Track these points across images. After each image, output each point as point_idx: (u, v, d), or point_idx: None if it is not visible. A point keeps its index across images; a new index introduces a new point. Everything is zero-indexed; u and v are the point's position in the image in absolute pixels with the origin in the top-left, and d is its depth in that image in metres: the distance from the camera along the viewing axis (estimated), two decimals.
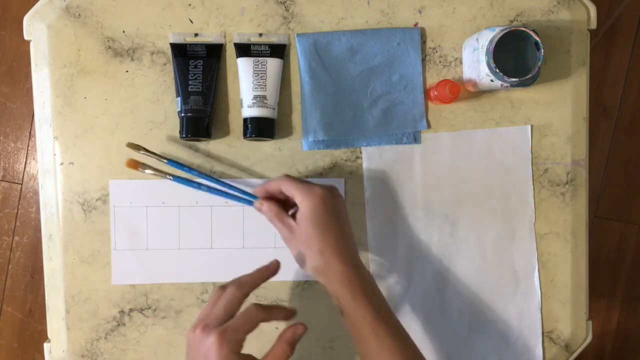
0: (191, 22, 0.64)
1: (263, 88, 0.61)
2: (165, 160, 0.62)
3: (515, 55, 0.61)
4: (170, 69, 0.64)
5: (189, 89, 0.61)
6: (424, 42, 0.65)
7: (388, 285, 0.66)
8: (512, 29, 0.57)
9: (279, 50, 0.63)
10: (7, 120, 1.36)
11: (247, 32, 0.64)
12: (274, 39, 0.64)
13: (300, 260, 0.55)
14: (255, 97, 0.61)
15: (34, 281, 1.37)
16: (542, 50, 0.58)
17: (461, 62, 0.65)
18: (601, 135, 1.40)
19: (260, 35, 0.64)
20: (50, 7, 0.63)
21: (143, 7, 0.63)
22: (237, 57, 0.63)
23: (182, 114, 0.61)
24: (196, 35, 0.63)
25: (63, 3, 0.63)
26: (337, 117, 0.64)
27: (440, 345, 0.66)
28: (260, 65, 0.62)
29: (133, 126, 0.64)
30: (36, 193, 1.36)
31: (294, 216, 0.56)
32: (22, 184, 1.37)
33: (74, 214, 0.64)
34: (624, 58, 1.40)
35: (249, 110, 0.61)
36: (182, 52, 0.62)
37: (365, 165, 0.65)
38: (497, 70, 0.57)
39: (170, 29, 0.63)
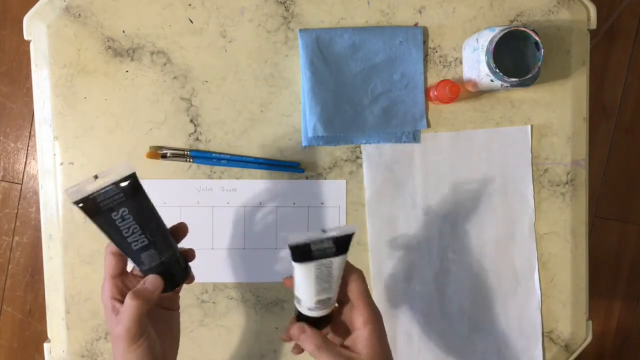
0: (191, 22, 0.64)
1: (328, 291, 0.46)
2: (188, 152, 0.64)
3: (515, 55, 0.61)
4: (170, 69, 0.64)
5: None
6: (424, 42, 0.65)
7: (388, 285, 0.66)
8: (512, 29, 0.57)
9: (344, 244, 0.45)
10: (7, 120, 1.36)
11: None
12: (335, 233, 0.44)
13: None
14: (319, 301, 0.47)
15: (34, 281, 1.37)
16: (542, 50, 0.58)
17: (461, 62, 0.65)
18: (601, 135, 1.40)
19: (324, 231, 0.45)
20: (50, 7, 0.63)
21: (143, 7, 0.63)
22: (292, 261, 0.45)
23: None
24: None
25: (63, 3, 0.63)
26: (337, 114, 0.64)
27: (440, 345, 0.66)
28: (324, 269, 0.45)
29: (133, 126, 0.64)
30: (36, 193, 1.36)
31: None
32: (22, 184, 1.37)
33: (74, 214, 0.64)
34: (624, 58, 1.40)
35: (310, 312, 0.48)
36: None
37: (365, 165, 0.65)
38: (497, 70, 0.57)
39: (170, 29, 0.63)
